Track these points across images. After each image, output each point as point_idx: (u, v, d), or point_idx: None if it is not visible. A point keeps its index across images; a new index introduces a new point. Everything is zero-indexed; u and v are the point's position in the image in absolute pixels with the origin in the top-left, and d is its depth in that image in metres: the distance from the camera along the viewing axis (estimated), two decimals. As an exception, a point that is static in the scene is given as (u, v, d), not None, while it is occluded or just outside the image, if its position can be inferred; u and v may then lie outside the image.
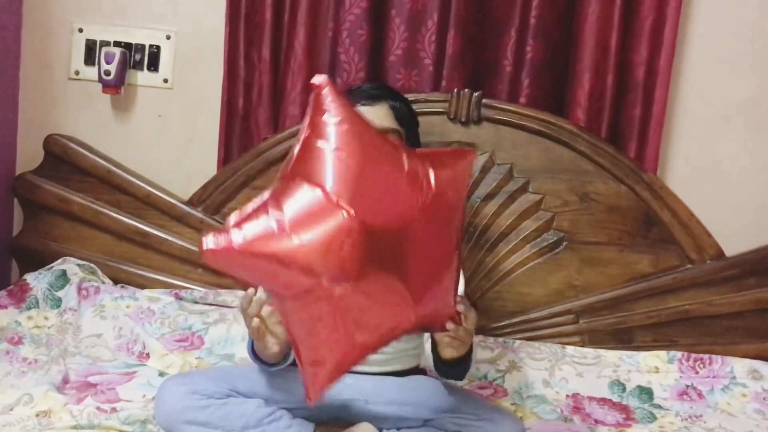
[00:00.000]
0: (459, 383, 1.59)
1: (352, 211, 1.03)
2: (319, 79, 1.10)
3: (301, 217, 1.03)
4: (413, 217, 1.10)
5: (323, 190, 1.04)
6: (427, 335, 1.68)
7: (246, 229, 1.01)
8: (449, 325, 1.22)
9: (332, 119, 1.08)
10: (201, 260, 1.00)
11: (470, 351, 1.36)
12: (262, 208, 1.04)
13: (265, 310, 1.24)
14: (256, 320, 1.25)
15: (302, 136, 1.10)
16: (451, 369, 1.39)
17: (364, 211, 1.04)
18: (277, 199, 1.05)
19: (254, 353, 1.38)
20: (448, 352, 1.29)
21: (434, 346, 1.35)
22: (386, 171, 1.09)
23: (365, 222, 1.04)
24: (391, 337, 1.12)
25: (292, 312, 1.08)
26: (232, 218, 1.06)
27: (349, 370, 1.12)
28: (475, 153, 1.32)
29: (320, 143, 1.07)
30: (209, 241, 0.99)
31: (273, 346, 1.28)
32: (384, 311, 1.09)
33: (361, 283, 1.04)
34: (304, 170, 1.07)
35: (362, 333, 1.08)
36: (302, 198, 1.04)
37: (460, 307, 1.23)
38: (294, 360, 1.51)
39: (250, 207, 1.07)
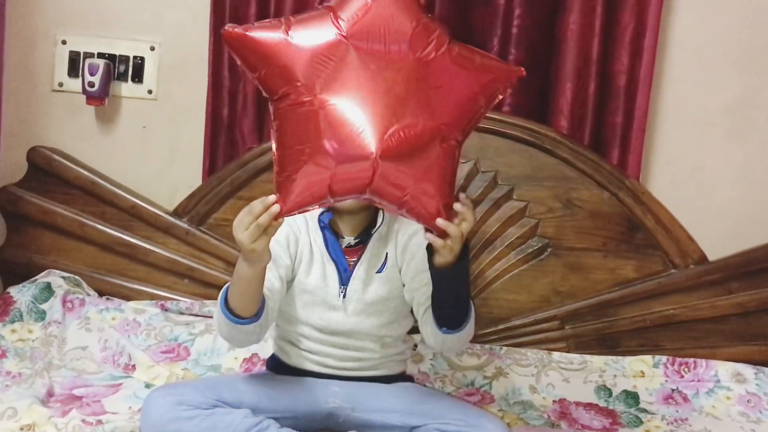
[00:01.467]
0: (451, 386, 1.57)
1: (344, 34, 1.15)
2: None
3: (303, 24, 1.17)
4: (410, 65, 1.17)
5: (334, 13, 1.17)
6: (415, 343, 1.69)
7: (257, 24, 1.19)
8: (440, 222, 1.18)
9: None
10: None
11: (467, 283, 1.34)
12: (277, 20, 1.20)
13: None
14: (260, 227, 1.19)
15: None
16: (448, 297, 1.33)
17: (362, 41, 1.15)
18: (293, 17, 1.20)
19: (227, 307, 1.32)
20: (437, 258, 1.25)
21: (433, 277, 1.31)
22: (400, 19, 1.17)
23: (359, 48, 1.15)
24: (355, 177, 1.13)
25: (279, 117, 1.18)
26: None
27: (323, 198, 1.15)
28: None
29: None
30: (229, 26, 1.17)
31: (265, 258, 1.25)
32: (354, 136, 1.13)
33: (339, 101, 1.13)
34: (335, 5, 1.19)
35: (330, 148, 1.13)
36: (313, 14, 1.20)
37: (458, 206, 1.20)
38: (273, 363, 1.54)
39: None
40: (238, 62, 1.20)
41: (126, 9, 2.03)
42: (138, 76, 2.03)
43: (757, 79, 1.92)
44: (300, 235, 1.47)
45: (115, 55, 2.02)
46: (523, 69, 1.27)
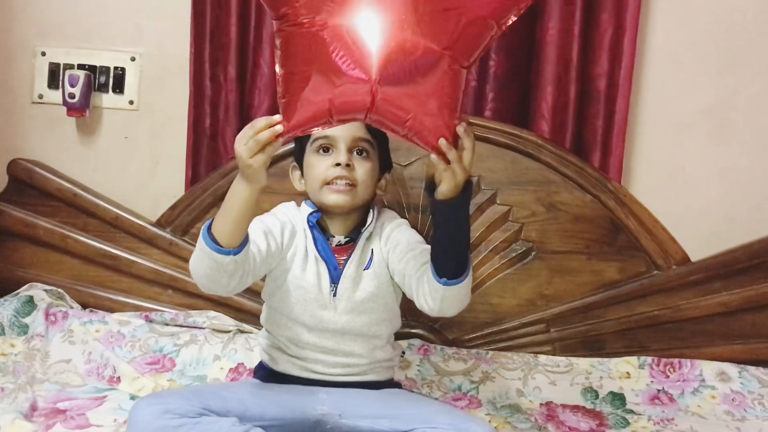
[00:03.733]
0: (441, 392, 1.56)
1: None
2: None
3: None
4: None
5: None
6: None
7: None
8: (442, 142, 1.17)
9: None
10: None
11: (467, 221, 1.33)
12: None
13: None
14: (259, 143, 1.19)
15: None
16: (448, 229, 1.31)
17: None
18: None
19: (210, 235, 1.30)
20: (442, 188, 1.23)
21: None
22: None
23: None
24: (354, 100, 1.13)
25: (281, 37, 1.17)
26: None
27: (324, 118, 1.15)
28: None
29: None
30: None
31: (261, 179, 1.25)
32: (353, 58, 1.12)
33: (339, 23, 1.12)
34: None
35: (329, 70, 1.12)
36: None
37: (460, 129, 1.19)
38: (260, 371, 1.53)
39: None
40: None
41: (106, 20, 2.02)
42: (119, 87, 2.03)
43: (734, 80, 1.95)
44: (297, 230, 1.48)
45: (95, 66, 2.02)
46: None
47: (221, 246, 1.29)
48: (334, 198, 1.44)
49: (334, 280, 1.46)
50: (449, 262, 1.32)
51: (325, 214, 1.49)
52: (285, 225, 1.48)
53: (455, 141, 1.19)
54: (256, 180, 1.25)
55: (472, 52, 1.19)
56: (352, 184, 1.45)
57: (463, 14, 1.16)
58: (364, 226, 1.48)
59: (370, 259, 1.48)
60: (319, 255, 1.46)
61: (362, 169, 1.46)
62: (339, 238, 1.48)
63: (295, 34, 1.16)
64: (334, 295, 1.45)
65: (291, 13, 1.16)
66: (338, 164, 1.44)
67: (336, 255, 1.47)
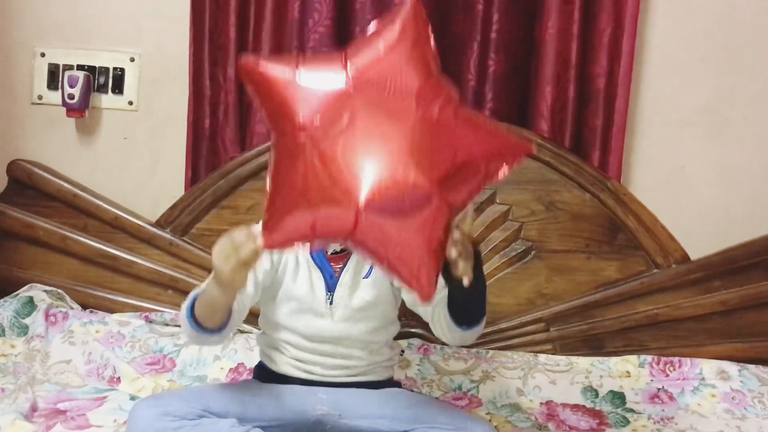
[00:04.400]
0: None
1: (351, 82, 1.15)
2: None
3: (314, 65, 1.18)
4: (413, 121, 1.14)
5: (346, 58, 1.17)
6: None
7: (271, 58, 1.23)
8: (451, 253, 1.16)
9: (394, 28, 1.19)
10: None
11: (482, 278, 1.32)
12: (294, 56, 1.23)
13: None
14: (249, 252, 1.19)
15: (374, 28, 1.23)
16: (469, 300, 1.32)
17: (368, 92, 1.15)
18: (306, 57, 1.22)
19: (192, 316, 1.33)
20: (461, 268, 1.19)
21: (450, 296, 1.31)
22: (410, 74, 1.16)
23: (364, 98, 1.14)
24: (338, 224, 1.13)
25: (277, 152, 1.19)
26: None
27: (306, 239, 1.15)
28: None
29: (375, 39, 1.19)
30: (244, 58, 1.22)
31: (240, 286, 1.26)
32: (342, 182, 1.12)
33: (335, 147, 1.12)
34: (351, 49, 1.19)
35: (320, 200, 1.12)
36: (327, 55, 1.22)
37: (452, 253, 1.17)
38: (260, 371, 1.53)
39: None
40: (249, 90, 1.23)
41: (105, 21, 2.02)
42: (118, 88, 2.03)
43: (733, 78, 1.95)
44: None
45: (94, 67, 2.02)
46: (533, 146, 1.26)
47: (205, 327, 1.32)
48: None
49: (330, 288, 1.45)
50: (466, 316, 1.36)
51: None
52: None
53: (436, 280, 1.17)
54: (235, 287, 1.26)
55: (461, 192, 1.18)
56: None
57: (458, 151, 1.16)
58: None
59: (371, 268, 1.46)
60: (314, 263, 1.46)
61: None
62: (335, 246, 1.47)
63: (288, 152, 1.16)
64: (331, 303, 1.45)
65: (290, 131, 1.15)
66: None
67: (332, 263, 1.46)
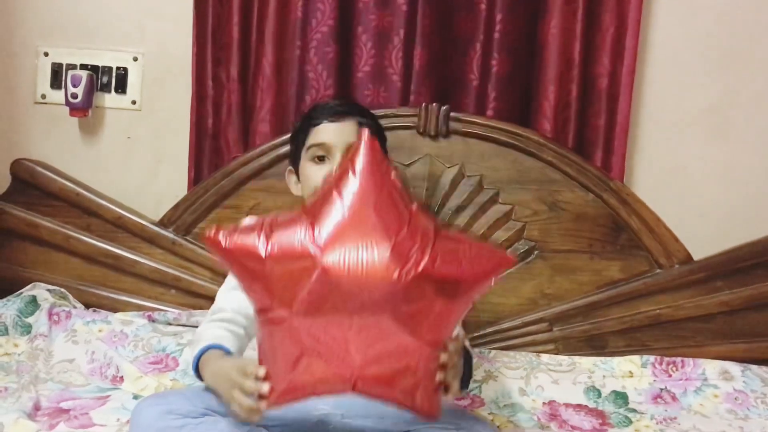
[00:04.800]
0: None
1: (317, 252, 1.08)
2: (364, 135, 1.16)
3: (280, 233, 1.12)
4: (386, 288, 1.08)
5: (311, 223, 1.11)
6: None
7: (236, 235, 1.14)
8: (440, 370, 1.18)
9: (354, 181, 1.13)
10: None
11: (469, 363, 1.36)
12: (259, 226, 1.14)
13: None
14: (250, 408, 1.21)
15: (332, 177, 1.18)
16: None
17: (337, 260, 1.08)
18: (272, 224, 1.14)
19: (197, 370, 1.37)
20: (451, 387, 1.24)
21: None
22: (378, 234, 1.10)
23: (333, 269, 1.08)
24: (334, 392, 1.15)
25: (261, 328, 1.18)
26: (246, 221, 1.21)
27: (307, 398, 1.17)
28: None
29: (335, 195, 1.13)
30: (212, 231, 1.15)
31: None
32: (332, 359, 1.12)
33: (313, 322, 1.10)
34: (312, 210, 1.14)
35: (303, 372, 1.13)
36: (290, 219, 1.14)
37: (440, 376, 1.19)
38: None
39: (254, 220, 1.18)
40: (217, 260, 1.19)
41: (108, 20, 2.03)
42: (121, 87, 2.03)
43: (735, 78, 1.94)
44: None
45: (98, 66, 2.02)
46: (512, 258, 1.26)
47: None
48: None
49: None
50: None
51: None
52: None
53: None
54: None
55: (450, 327, 1.19)
56: None
57: (439, 307, 1.14)
58: None
59: None
60: None
61: None
62: None
63: (270, 328, 1.15)
64: None
65: (268, 308, 1.14)
66: None
67: None
